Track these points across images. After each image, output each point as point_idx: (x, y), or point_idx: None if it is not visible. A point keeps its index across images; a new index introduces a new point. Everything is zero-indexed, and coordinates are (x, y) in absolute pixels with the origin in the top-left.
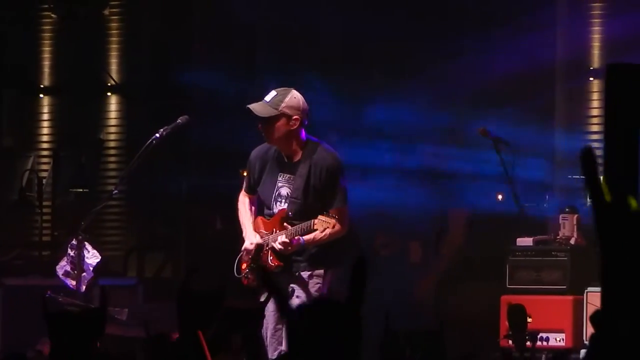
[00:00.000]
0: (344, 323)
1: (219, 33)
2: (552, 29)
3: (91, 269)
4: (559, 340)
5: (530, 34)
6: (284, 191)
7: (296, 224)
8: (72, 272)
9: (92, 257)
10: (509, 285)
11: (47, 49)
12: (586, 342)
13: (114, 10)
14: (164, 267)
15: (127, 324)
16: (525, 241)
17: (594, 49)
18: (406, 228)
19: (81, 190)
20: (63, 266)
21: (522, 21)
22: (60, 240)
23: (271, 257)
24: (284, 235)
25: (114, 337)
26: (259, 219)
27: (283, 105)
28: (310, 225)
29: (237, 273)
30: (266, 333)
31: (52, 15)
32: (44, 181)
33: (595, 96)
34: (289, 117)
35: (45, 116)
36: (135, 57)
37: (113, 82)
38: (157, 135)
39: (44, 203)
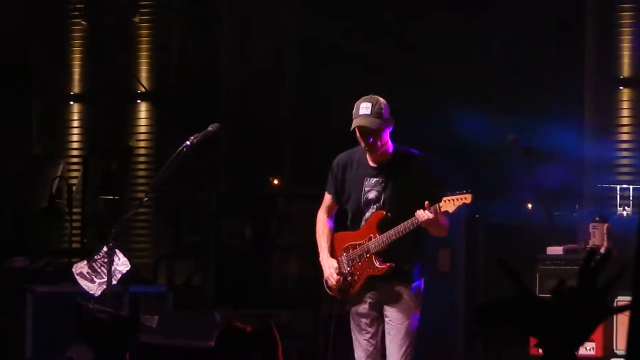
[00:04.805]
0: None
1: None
2: (581, 36)
3: (119, 276)
4: (589, 350)
5: (559, 42)
6: (372, 195)
7: (397, 225)
8: (87, 275)
9: (122, 264)
10: (538, 294)
11: (77, 56)
12: (616, 352)
13: (144, 17)
14: (193, 275)
15: (157, 332)
16: (555, 250)
17: (623, 57)
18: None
19: (111, 197)
20: (80, 267)
21: (551, 29)
22: (90, 247)
23: (378, 262)
24: (428, 212)
25: (147, 344)
26: (343, 233)
27: (383, 112)
28: (437, 209)
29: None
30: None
31: (82, 22)
32: (74, 188)
33: (624, 105)
34: (389, 122)
35: (75, 123)
36: (165, 64)
37: (143, 89)
38: (188, 142)
39: (74, 210)
